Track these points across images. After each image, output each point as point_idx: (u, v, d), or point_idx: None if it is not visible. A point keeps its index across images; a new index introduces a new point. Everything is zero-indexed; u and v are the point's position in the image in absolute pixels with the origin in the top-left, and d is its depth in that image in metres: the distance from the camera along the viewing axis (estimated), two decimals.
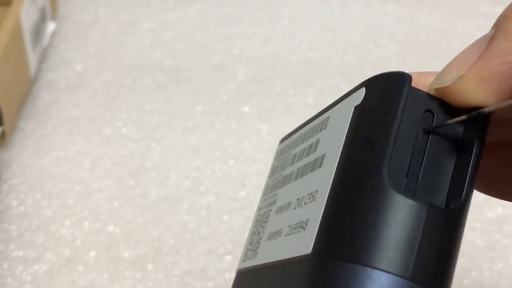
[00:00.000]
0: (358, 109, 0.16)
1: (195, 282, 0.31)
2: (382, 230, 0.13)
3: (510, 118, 0.16)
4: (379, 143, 0.14)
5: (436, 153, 0.15)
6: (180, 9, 0.47)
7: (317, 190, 0.16)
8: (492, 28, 0.15)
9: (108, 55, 0.43)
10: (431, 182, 0.15)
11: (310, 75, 0.42)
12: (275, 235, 0.18)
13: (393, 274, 0.13)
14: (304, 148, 0.19)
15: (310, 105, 0.40)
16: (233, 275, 0.21)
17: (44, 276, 0.31)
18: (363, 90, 0.16)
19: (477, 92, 0.14)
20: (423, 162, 0.15)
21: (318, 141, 0.18)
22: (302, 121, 0.20)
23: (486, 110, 0.14)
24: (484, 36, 0.15)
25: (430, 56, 0.44)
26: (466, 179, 0.14)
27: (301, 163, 0.19)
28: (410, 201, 0.14)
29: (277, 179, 0.21)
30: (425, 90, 0.15)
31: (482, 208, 0.34)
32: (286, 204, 0.19)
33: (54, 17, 0.45)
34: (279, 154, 0.22)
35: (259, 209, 0.22)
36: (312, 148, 0.18)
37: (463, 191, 0.14)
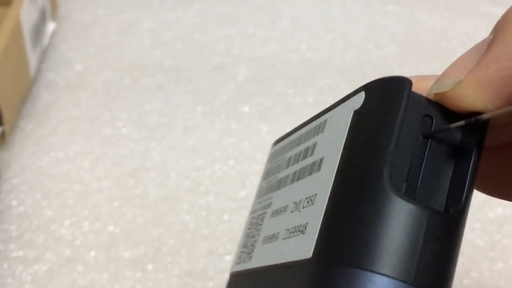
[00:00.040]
0: (358, 114, 0.16)
1: (195, 282, 0.31)
2: (384, 235, 0.13)
3: (510, 123, 0.16)
4: (380, 148, 0.14)
5: (435, 157, 0.15)
6: (180, 9, 0.47)
7: (315, 194, 0.16)
8: (491, 33, 0.15)
9: (108, 55, 0.43)
10: (430, 187, 0.15)
11: (310, 75, 0.42)
12: (272, 238, 0.18)
13: (396, 279, 0.13)
14: (300, 151, 0.19)
15: (310, 105, 0.40)
16: None
17: (44, 276, 0.31)
18: (362, 94, 0.16)
19: (475, 97, 0.14)
20: (423, 166, 0.15)
21: (315, 144, 0.18)
22: (302, 121, 0.20)
23: (484, 116, 0.14)
24: (483, 41, 0.15)
25: (430, 56, 0.44)
26: (465, 184, 0.15)
27: (297, 166, 0.19)
28: (411, 206, 0.14)
29: (272, 182, 0.21)
30: (425, 94, 0.15)
31: (482, 208, 0.34)
32: (282, 207, 0.18)
33: (54, 17, 0.45)
34: (273, 156, 0.22)
35: (253, 211, 0.22)
36: (309, 151, 0.18)
37: (462, 195, 0.14)
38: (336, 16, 0.47)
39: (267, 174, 0.22)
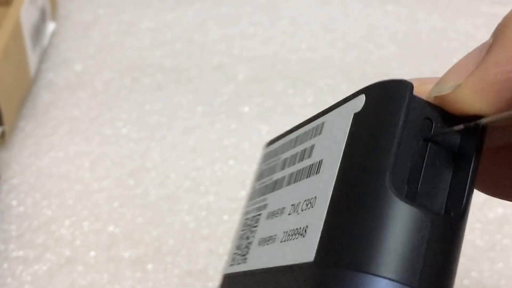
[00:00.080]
0: (358, 116, 0.16)
1: (195, 282, 0.31)
2: (387, 238, 0.13)
3: (510, 126, 0.17)
4: (382, 151, 0.14)
5: (435, 160, 0.15)
6: (180, 9, 0.47)
7: (315, 197, 0.16)
8: (491, 37, 0.15)
9: (108, 55, 0.43)
10: (430, 190, 0.15)
11: (310, 75, 0.42)
12: (268, 240, 0.18)
13: (400, 283, 0.13)
14: (296, 153, 0.19)
15: (310, 105, 0.40)
16: None
17: (44, 276, 0.31)
18: (362, 97, 0.16)
19: (474, 101, 0.14)
20: (423, 169, 0.15)
21: (312, 146, 0.18)
22: (302, 121, 0.20)
23: (483, 121, 0.14)
24: (483, 44, 0.15)
25: (430, 56, 0.44)
26: (465, 188, 0.15)
27: (293, 168, 0.19)
28: (415, 209, 0.14)
29: (266, 183, 0.21)
30: (425, 97, 0.16)
31: (482, 208, 0.34)
32: (278, 209, 0.18)
33: (54, 17, 0.45)
34: (266, 158, 0.22)
35: (246, 213, 0.21)
36: (306, 153, 0.18)
37: (462, 199, 0.15)
38: (336, 16, 0.47)
39: (261, 175, 0.22)
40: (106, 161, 0.36)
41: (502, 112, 0.14)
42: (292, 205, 0.18)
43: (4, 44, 0.35)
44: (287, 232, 0.17)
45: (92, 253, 0.32)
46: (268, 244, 0.18)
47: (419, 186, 0.15)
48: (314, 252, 0.15)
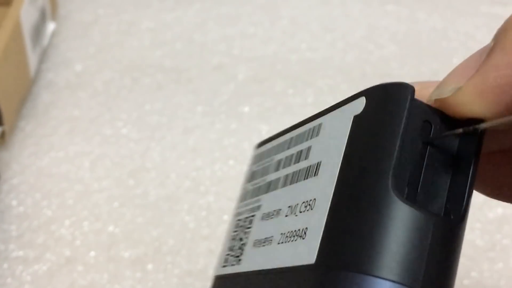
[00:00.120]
0: (359, 119, 0.16)
1: (195, 282, 0.31)
2: (390, 240, 0.14)
3: (509, 130, 0.17)
4: (384, 154, 0.14)
5: (434, 163, 0.15)
6: (180, 9, 0.47)
7: (314, 199, 0.16)
8: (492, 41, 0.15)
9: (108, 55, 0.43)
10: (429, 192, 0.15)
11: (310, 75, 0.42)
12: (264, 242, 0.18)
13: (403, 284, 0.13)
14: (292, 155, 0.19)
15: (310, 105, 0.40)
16: None
17: (44, 276, 0.31)
18: (363, 100, 0.16)
19: (474, 104, 0.15)
20: (422, 172, 0.15)
21: (309, 148, 0.18)
22: (296, 123, 0.20)
23: (482, 126, 0.15)
24: (484, 48, 0.15)
25: (430, 56, 0.44)
26: (465, 191, 0.15)
27: (289, 170, 0.19)
28: (418, 212, 0.14)
29: (259, 185, 0.21)
30: (425, 101, 0.16)
31: (482, 208, 0.34)
32: (274, 211, 0.18)
33: (54, 17, 0.45)
34: (258, 159, 0.22)
35: (238, 214, 0.21)
36: (302, 155, 0.18)
37: (462, 202, 0.15)
38: (336, 16, 0.47)
39: (252, 176, 0.22)
40: (106, 161, 0.36)
41: (501, 117, 0.14)
42: (289, 206, 0.17)
43: (4, 44, 0.35)
44: (284, 234, 0.17)
45: (92, 253, 0.32)
46: (264, 245, 0.18)
47: (419, 188, 0.15)
48: (315, 254, 0.15)
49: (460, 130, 0.15)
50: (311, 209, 0.16)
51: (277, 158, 0.20)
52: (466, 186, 0.15)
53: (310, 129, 0.18)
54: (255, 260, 0.18)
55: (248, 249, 0.19)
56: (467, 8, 0.48)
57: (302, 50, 0.44)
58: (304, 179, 0.17)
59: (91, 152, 0.37)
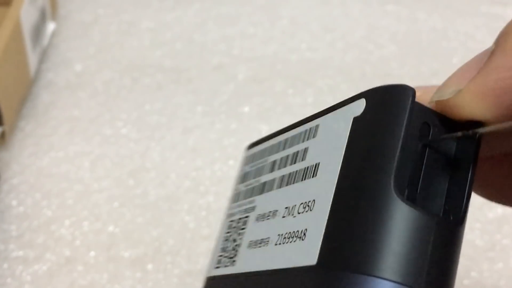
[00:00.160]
0: (359, 120, 0.16)
1: (195, 282, 0.31)
2: (393, 241, 0.14)
3: (508, 135, 0.17)
4: (386, 155, 0.14)
5: (432, 165, 0.15)
6: (180, 9, 0.47)
7: (314, 200, 0.16)
8: (493, 44, 0.15)
9: (108, 55, 0.43)
10: (428, 194, 0.15)
11: (310, 75, 0.42)
12: (260, 243, 0.18)
13: (406, 285, 0.13)
14: (287, 156, 0.19)
15: (310, 105, 0.40)
16: None
17: (44, 276, 0.31)
18: (363, 102, 0.16)
19: (474, 106, 0.15)
20: (422, 174, 0.15)
21: (306, 149, 0.18)
22: (290, 124, 0.20)
23: (481, 130, 0.15)
24: (485, 51, 0.16)
25: (430, 56, 0.44)
26: (465, 193, 0.15)
27: (285, 171, 0.19)
28: (420, 213, 0.14)
29: (252, 186, 0.21)
30: (426, 103, 0.16)
31: (482, 208, 0.34)
32: (270, 212, 0.18)
33: (54, 17, 0.45)
34: (251, 159, 0.22)
35: (231, 215, 0.21)
36: (299, 156, 0.18)
37: (462, 204, 0.15)
38: (336, 16, 0.47)
39: (245, 177, 0.22)
40: (106, 161, 0.36)
41: (501, 122, 0.14)
42: (286, 207, 0.17)
43: (4, 44, 0.35)
44: (282, 235, 0.17)
45: (92, 253, 0.32)
46: (260, 247, 0.18)
47: (418, 190, 0.15)
48: (317, 255, 0.15)
49: (459, 134, 0.15)
50: (310, 210, 0.16)
51: (272, 159, 0.20)
52: (465, 188, 0.15)
53: (306, 130, 0.18)
54: (251, 262, 0.18)
55: (242, 250, 0.19)
56: (467, 8, 0.48)
57: (302, 50, 0.44)
58: (302, 180, 0.17)
59: (91, 152, 0.37)
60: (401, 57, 0.44)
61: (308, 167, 0.17)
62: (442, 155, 0.15)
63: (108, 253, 0.32)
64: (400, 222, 0.14)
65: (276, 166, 0.19)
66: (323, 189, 0.16)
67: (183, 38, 0.45)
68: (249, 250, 0.19)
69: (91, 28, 0.45)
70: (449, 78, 0.16)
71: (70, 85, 0.41)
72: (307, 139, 0.18)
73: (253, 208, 0.20)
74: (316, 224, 0.15)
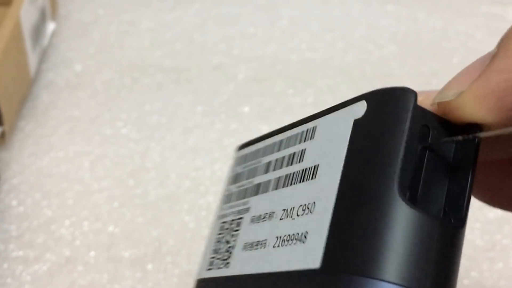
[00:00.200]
0: (360, 123, 0.16)
1: None
2: (398, 244, 0.14)
3: (508, 141, 0.17)
4: (389, 158, 0.15)
5: (432, 168, 0.15)
6: (180, 9, 0.47)
7: (314, 202, 0.16)
8: (495, 47, 0.15)
9: (108, 55, 0.43)
10: (429, 196, 0.15)
11: (310, 75, 0.42)
12: (256, 245, 0.18)
13: None
14: (283, 157, 0.19)
15: (310, 105, 0.40)
16: None
17: (44, 276, 0.31)
18: (363, 104, 0.16)
19: (475, 108, 0.15)
20: (422, 176, 0.15)
21: (303, 151, 0.18)
22: (284, 125, 0.20)
23: (481, 134, 0.15)
24: (487, 54, 0.16)
25: (430, 56, 0.44)
26: (465, 195, 0.15)
27: (281, 172, 0.19)
28: (423, 216, 0.14)
29: (245, 187, 0.20)
30: (426, 106, 0.16)
31: (482, 208, 0.34)
32: (266, 213, 0.18)
33: (54, 17, 0.45)
34: (242, 160, 0.22)
35: (222, 216, 0.21)
36: (296, 157, 0.18)
37: (463, 206, 0.15)
38: (336, 16, 0.47)
39: (237, 178, 0.22)
40: (106, 161, 0.36)
41: (501, 128, 0.15)
42: (283, 209, 0.17)
43: (4, 44, 0.35)
44: (280, 237, 0.17)
45: (92, 253, 0.32)
46: (257, 249, 0.18)
47: (418, 192, 0.15)
48: (320, 258, 0.15)
49: (460, 137, 0.15)
50: (311, 212, 0.16)
51: (266, 160, 0.20)
52: (466, 191, 0.15)
53: (303, 131, 0.18)
54: (246, 264, 0.18)
55: (237, 252, 0.19)
56: (467, 8, 0.48)
57: (302, 50, 0.44)
58: (300, 182, 0.17)
59: (91, 152, 0.37)
60: (401, 57, 0.44)
61: (306, 169, 0.17)
62: (441, 158, 0.15)
63: (108, 253, 0.32)
64: (405, 225, 0.14)
65: (271, 167, 0.19)
66: (323, 192, 0.16)
67: (183, 38, 0.45)
68: (245, 252, 0.18)
69: (91, 28, 0.45)
70: (451, 81, 0.16)
71: (70, 85, 0.41)
72: (305, 141, 0.18)
73: (247, 210, 0.20)
74: (317, 226, 0.15)
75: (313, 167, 0.17)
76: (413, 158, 0.15)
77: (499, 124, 0.15)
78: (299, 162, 0.18)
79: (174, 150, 0.37)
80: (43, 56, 0.42)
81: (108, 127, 0.38)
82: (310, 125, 0.18)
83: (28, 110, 0.39)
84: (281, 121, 0.39)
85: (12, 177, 0.35)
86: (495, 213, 0.34)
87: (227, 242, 0.20)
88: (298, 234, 0.16)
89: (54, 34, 0.44)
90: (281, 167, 0.19)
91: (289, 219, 0.17)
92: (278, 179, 0.19)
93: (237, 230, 0.20)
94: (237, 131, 0.38)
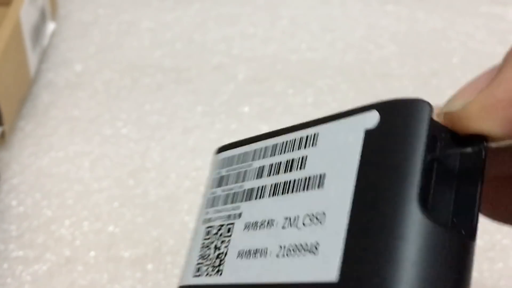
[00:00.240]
0: (373, 133, 0.16)
1: None
2: (418, 259, 0.14)
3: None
4: (409, 172, 0.14)
5: (440, 179, 0.15)
6: (180, 9, 0.47)
7: (324, 213, 0.16)
8: (502, 60, 0.15)
9: (108, 55, 0.43)
10: (439, 209, 0.15)
11: (310, 75, 0.42)
12: (255, 253, 0.17)
13: None
14: (279, 163, 0.18)
15: (310, 105, 0.40)
16: None
17: (44, 276, 0.31)
18: (375, 114, 0.16)
19: (482, 118, 0.15)
20: (432, 188, 0.15)
21: (304, 158, 0.18)
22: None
23: (490, 145, 0.15)
24: (494, 66, 0.16)
25: (430, 56, 0.44)
26: (475, 207, 0.15)
27: (277, 179, 0.18)
28: (442, 230, 0.14)
29: (234, 191, 0.20)
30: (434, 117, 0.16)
31: None
32: (264, 221, 0.18)
33: (54, 17, 0.45)
34: (226, 163, 0.21)
35: (208, 220, 0.20)
36: (295, 164, 0.18)
37: (473, 219, 0.15)
38: (336, 16, 0.47)
39: (221, 181, 0.21)
40: (106, 161, 0.36)
41: (508, 139, 0.15)
42: (286, 218, 0.17)
43: (4, 44, 0.35)
44: (285, 247, 0.16)
45: (92, 253, 0.32)
46: (256, 257, 0.17)
47: (428, 206, 0.15)
48: (336, 271, 0.14)
49: (469, 149, 0.15)
50: (320, 223, 0.16)
51: (258, 164, 0.19)
52: (475, 203, 0.15)
53: (302, 138, 0.18)
54: (244, 272, 0.18)
55: (230, 259, 0.18)
56: (467, 8, 0.48)
57: (302, 50, 0.44)
58: (303, 190, 0.17)
59: (91, 152, 0.37)
60: (401, 57, 0.44)
61: (310, 177, 0.17)
62: (448, 170, 0.15)
63: (108, 253, 0.32)
64: (425, 239, 0.14)
65: (265, 173, 0.19)
66: (335, 202, 0.16)
67: (183, 38, 0.45)
68: (240, 260, 0.18)
69: (91, 28, 0.45)
70: (458, 92, 0.16)
71: (70, 85, 0.41)
72: (305, 147, 0.18)
73: (239, 215, 0.19)
74: (330, 238, 0.15)
75: (318, 176, 0.17)
76: (424, 169, 0.15)
77: (505, 136, 0.15)
78: (300, 169, 0.17)
79: (174, 150, 0.37)
80: (43, 56, 0.42)
81: (108, 127, 0.38)
82: (310, 131, 0.18)
83: (28, 110, 0.39)
84: (281, 121, 0.39)
85: (12, 177, 0.35)
86: None
87: (217, 248, 0.19)
88: (307, 244, 0.16)
89: (54, 34, 0.44)
90: (277, 173, 0.18)
91: (293, 228, 0.16)
92: (276, 185, 0.18)
93: (228, 236, 0.19)
94: (237, 131, 0.38)
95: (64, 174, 0.35)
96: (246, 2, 0.48)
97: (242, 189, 0.20)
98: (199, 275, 0.19)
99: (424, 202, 0.14)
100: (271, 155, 0.19)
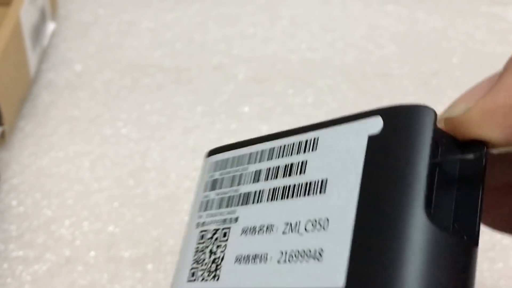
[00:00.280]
0: (377, 139, 0.16)
1: None
2: (425, 266, 0.14)
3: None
4: (414, 179, 0.14)
5: (442, 185, 0.15)
6: (180, 9, 0.47)
7: (327, 219, 0.16)
8: (503, 67, 0.16)
9: (108, 55, 0.43)
10: (441, 215, 0.15)
11: (310, 75, 0.42)
12: (254, 259, 0.17)
13: None
14: (277, 167, 0.18)
15: (310, 105, 0.40)
16: None
17: (44, 276, 0.31)
18: (379, 120, 0.16)
19: (482, 124, 0.15)
20: (434, 193, 0.15)
21: (303, 162, 0.17)
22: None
23: (492, 151, 0.15)
24: (495, 73, 0.16)
25: (430, 56, 0.44)
26: (477, 213, 0.15)
27: (276, 183, 0.18)
28: (448, 236, 0.14)
29: (229, 195, 0.20)
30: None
31: None
32: (263, 225, 0.18)
33: (54, 17, 0.45)
34: (219, 166, 0.21)
35: (202, 224, 0.20)
36: (294, 169, 0.18)
37: (475, 225, 0.15)
38: (336, 16, 0.47)
39: (214, 184, 0.21)
40: (106, 161, 0.36)
41: (509, 146, 0.15)
42: (286, 223, 0.17)
43: (4, 44, 0.35)
44: (287, 252, 0.16)
45: (92, 253, 0.32)
46: (255, 263, 0.17)
47: (432, 211, 0.15)
48: (343, 278, 0.14)
49: (471, 155, 0.15)
50: (324, 229, 0.16)
51: (254, 168, 0.19)
52: (477, 209, 0.15)
53: (301, 142, 0.18)
54: (243, 278, 0.17)
55: (228, 264, 0.18)
56: (467, 8, 0.48)
57: (302, 50, 0.44)
58: (304, 195, 0.17)
59: (91, 152, 0.37)
60: (401, 57, 0.44)
61: (311, 182, 0.17)
62: (449, 175, 0.15)
63: (108, 253, 0.32)
64: (431, 244, 0.14)
65: (262, 177, 0.19)
66: (339, 208, 0.15)
67: (183, 38, 0.45)
68: (238, 265, 0.18)
69: (91, 28, 0.45)
70: (459, 98, 0.16)
71: (70, 85, 0.41)
72: (304, 152, 0.18)
73: (235, 220, 0.19)
74: (335, 244, 0.15)
75: (320, 181, 0.16)
76: (427, 175, 0.15)
77: (505, 142, 0.15)
78: (300, 174, 0.17)
79: (174, 150, 0.37)
80: (43, 56, 0.42)
81: (108, 127, 0.38)
82: (308, 136, 0.18)
83: (28, 110, 0.39)
84: (281, 121, 0.39)
85: (12, 177, 0.35)
86: None
87: (212, 252, 0.19)
88: (310, 251, 0.16)
89: (54, 34, 0.44)
90: (275, 177, 0.18)
91: (294, 233, 0.16)
92: (274, 190, 0.18)
93: (224, 241, 0.19)
94: (237, 131, 0.38)
95: (64, 174, 0.35)
96: (246, 2, 0.48)
97: (238, 193, 0.19)
98: (194, 280, 0.19)
99: (428, 208, 0.14)
100: (268, 159, 0.19)
